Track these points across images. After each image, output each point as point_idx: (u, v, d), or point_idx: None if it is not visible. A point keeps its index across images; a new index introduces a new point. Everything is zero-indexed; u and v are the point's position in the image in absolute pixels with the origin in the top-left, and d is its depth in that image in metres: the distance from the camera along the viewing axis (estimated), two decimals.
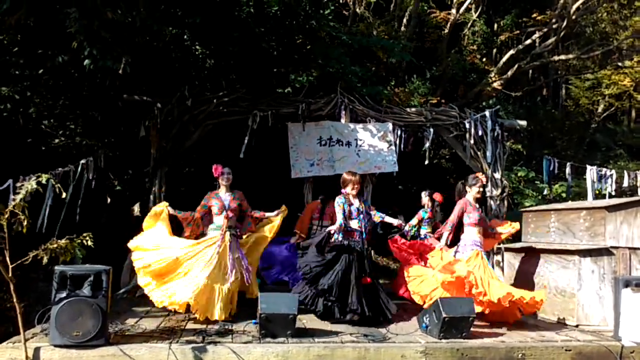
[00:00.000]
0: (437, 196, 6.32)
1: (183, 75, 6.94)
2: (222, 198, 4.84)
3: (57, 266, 3.59)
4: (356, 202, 4.82)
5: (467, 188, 5.10)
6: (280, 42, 6.91)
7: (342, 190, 4.84)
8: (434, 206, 6.28)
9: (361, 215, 4.77)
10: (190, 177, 8.36)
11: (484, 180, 5.21)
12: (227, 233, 4.72)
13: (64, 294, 3.56)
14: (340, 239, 4.73)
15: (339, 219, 4.71)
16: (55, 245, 3.32)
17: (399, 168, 6.97)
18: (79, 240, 3.37)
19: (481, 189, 5.08)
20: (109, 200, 8.24)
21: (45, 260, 3.30)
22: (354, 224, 4.77)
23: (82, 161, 5.85)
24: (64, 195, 3.56)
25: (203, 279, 4.44)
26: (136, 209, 8.09)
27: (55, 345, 3.53)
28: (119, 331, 3.98)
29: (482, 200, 5.37)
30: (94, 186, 6.13)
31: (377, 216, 4.91)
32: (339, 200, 4.78)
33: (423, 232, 6.20)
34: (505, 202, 6.95)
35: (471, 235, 5.00)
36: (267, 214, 5.06)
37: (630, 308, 4.20)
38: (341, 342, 3.91)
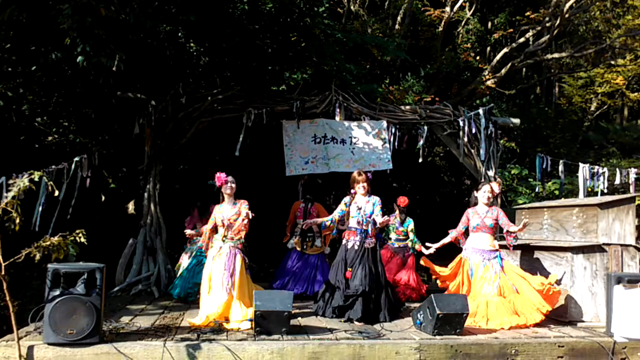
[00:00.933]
0: (400, 200, 6.26)
1: (177, 73, 6.91)
2: (222, 209, 4.69)
3: (50, 264, 3.58)
4: (361, 202, 4.88)
5: (476, 192, 5.12)
6: (275, 39, 6.89)
7: (352, 190, 4.95)
8: (400, 211, 6.28)
9: (360, 214, 4.83)
10: (185, 174, 8.34)
11: (495, 186, 5.11)
12: (225, 244, 4.60)
13: (57, 292, 3.55)
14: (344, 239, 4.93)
15: (333, 214, 4.97)
16: (48, 243, 3.30)
17: (393, 166, 6.99)
18: (72, 238, 3.35)
19: (487, 194, 4.96)
20: (103, 198, 8.21)
21: (38, 257, 3.29)
22: (353, 222, 4.87)
23: (76, 159, 5.82)
24: (56, 193, 3.55)
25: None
26: (130, 206, 8.08)
27: (49, 344, 3.52)
28: (113, 329, 3.97)
29: None
30: (88, 184, 6.10)
31: (377, 216, 4.81)
32: (344, 199, 4.98)
33: (393, 237, 6.31)
34: (499, 200, 6.98)
35: (470, 240, 5.02)
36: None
37: (622, 304, 4.24)
38: (336, 339, 3.93)
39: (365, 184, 4.86)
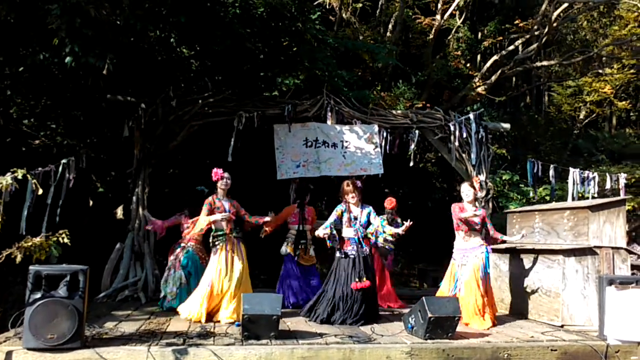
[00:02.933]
0: (386, 202, 6.13)
1: (168, 76, 6.86)
2: (222, 203, 4.82)
3: (31, 266, 3.47)
4: (355, 211, 4.85)
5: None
6: (266, 43, 6.87)
7: (344, 199, 4.91)
8: (384, 213, 6.12)
9: (356, 224, 4.80)
10: (175, 178, 8.25)
11: (474, 182, 5.13)
12: (231, 237, 4.79)
13: (38, 295, 3.43)
14: (337, 247, 4.86)
15: (327, 222, 4.83)
16: (30, 243, 3.20)
17: (385, 171, 6.97)
18: (55, 238, 3.26)
19: (469, 190, 4.98)
20: (91, 202, 8.08)
21: (19, 258, 3.19)
22: (350, 232, 4.82)
23: (63, 161, 5.72)
24: (40, 191, 3.47)
25: (208, 285, 4.64)
26: (119, 211, 7.96)
27: (29, 349, 3.40)
28: (96, 334, 3.85)
29: None
30: (76, 188, 5.99)
31: (380, 227, 4.82)
32: (337, 207, 4.90)
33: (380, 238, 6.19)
34: (490, 205, 6.98)
35: (456, 241, 5.02)
36: (261, 219, 5.05)
37: (615, 306, 4.21)
38: (325, 343, 3.85)
39: (354, 194, 4.82)
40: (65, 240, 3.24)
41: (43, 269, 3.47)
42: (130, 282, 5.96)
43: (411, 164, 7.21)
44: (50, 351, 3.39)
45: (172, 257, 5.66)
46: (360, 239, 4.78)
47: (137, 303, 5.64)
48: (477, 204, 5.02)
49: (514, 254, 5.59)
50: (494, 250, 5.95)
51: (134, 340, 3.73)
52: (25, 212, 5.24)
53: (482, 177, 6.96)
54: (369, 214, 4.83)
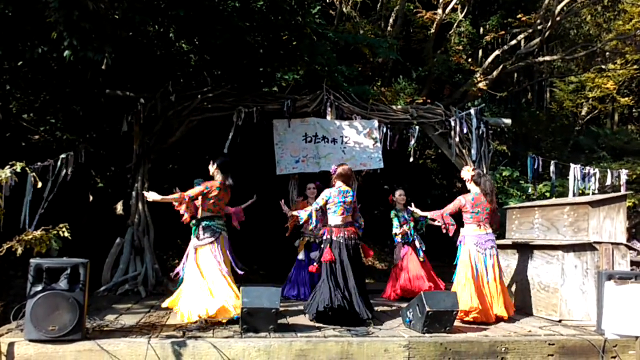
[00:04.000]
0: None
1: (167, 71, 6.86)
2: None
3: (32, 259, 3.50)
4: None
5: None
6: (266, 37, 6.86)
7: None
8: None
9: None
10: (174, 174, 8.25)
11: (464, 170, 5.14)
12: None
13: (39, 288, 3.47)
14: None
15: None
16: (30, 237, 3.22)
17: (384, 167, 6.97)
18: (55, 232, 3.27)
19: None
20: (91, 198, 8.10)
21: (19, 251, 3.21)
22: None
23: (62, 156, 5.73)
24: (39, 184, 3.48)
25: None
26: (119, 207, 7.98)
27: (30, 340, 3.44)
28: (97, 326, 3.90)
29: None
30: (76, 183, 6.01)
31: None
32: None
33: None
34: None
35: None
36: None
37: (613, 301, 4.19)
38: (324, 336, 3.87)
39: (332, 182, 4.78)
40: (66, 234, 3.25)
41: (44, 262, 3.51)
42: (130, 277, 5.99)
43: (411, 159, 7.20)
44: (52, 342, 3.44)
45: None
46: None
47: (137, 297, 5.68)
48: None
49: (513, 249, 5.60)
50: (500, 247, 5.95)
51: (135, 333, 3.77)
52: (26, 206, 5.27)
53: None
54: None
